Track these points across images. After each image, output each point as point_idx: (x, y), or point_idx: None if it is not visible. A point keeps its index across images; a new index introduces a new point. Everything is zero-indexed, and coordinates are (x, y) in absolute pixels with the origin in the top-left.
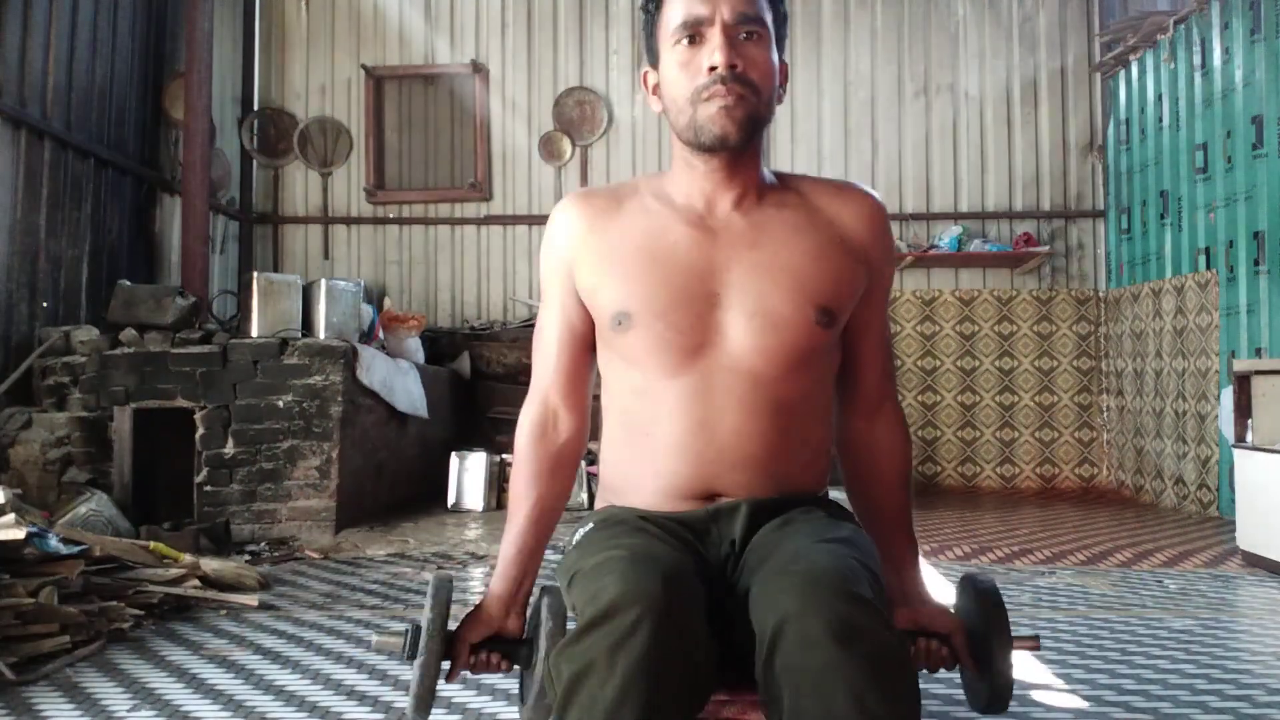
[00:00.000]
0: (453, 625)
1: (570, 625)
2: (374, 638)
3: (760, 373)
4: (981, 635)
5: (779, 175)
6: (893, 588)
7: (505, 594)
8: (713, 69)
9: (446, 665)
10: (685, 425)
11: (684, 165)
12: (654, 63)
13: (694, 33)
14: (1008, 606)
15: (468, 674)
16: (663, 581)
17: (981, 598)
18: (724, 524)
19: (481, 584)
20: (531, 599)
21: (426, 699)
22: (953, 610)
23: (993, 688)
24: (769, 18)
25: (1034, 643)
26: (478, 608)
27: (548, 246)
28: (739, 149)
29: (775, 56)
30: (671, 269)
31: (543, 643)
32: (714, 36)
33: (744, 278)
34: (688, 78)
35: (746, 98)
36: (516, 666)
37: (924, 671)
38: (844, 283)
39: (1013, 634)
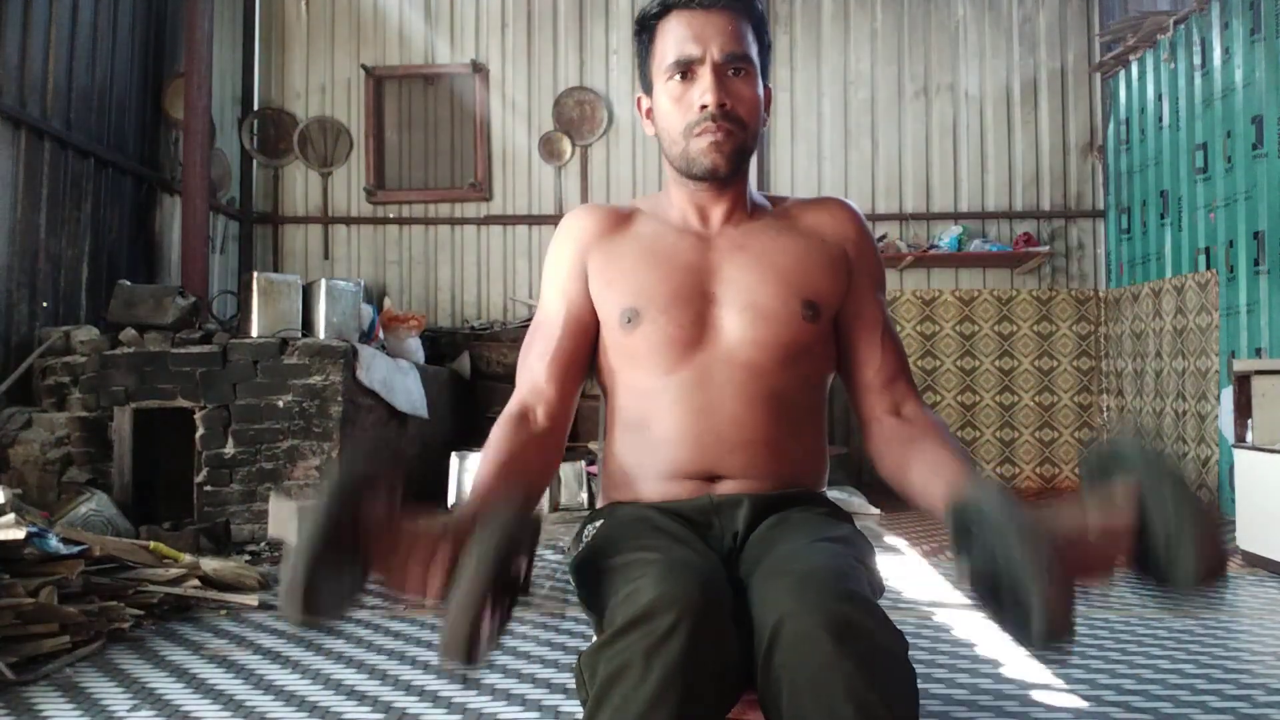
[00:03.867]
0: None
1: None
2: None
3: (755, 363)
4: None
5: (764, 196)
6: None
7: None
8: (704, 107)
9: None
10: (685, 412)
11: (677, 185)
12: (647, 90)
13: (686, 70)
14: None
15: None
16: (700, 585)
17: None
18: (726, 518)
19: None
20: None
21: (309, 593)
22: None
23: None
24: (754, 52)
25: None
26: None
27: (562, 245)
28: (727, 180)
29: (761, 88)
30: (672, 270)
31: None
32: (705, 75)
33: (735, 275)
34: (680, 112)
35: (735, 133)
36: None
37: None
38: (825, 277)
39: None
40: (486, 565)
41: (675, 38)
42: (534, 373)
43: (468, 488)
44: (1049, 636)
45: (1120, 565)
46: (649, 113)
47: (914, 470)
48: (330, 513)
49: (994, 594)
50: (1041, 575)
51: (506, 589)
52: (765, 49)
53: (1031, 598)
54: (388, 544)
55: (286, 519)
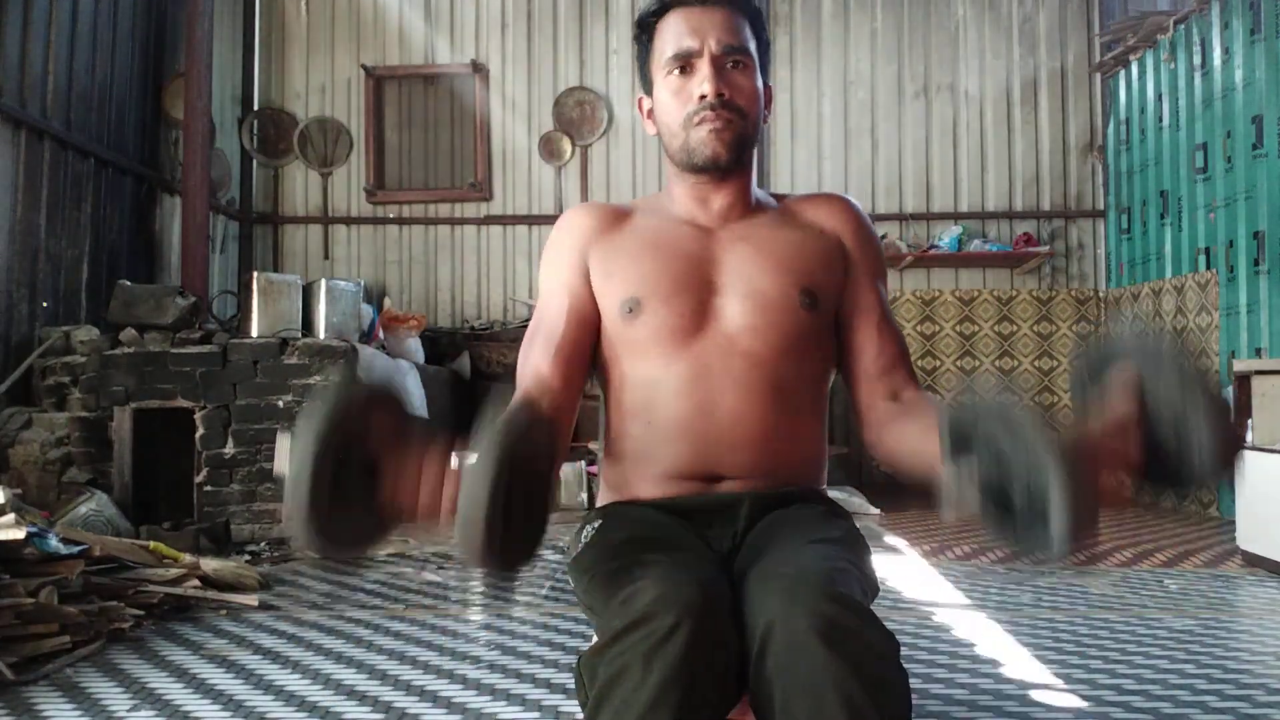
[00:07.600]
0: None
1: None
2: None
3: (756, 353)
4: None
5: (769, 194)
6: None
7: None
8: (703, 97)
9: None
10: (686, 407)
11: (679, 181)
12: (648, 90)
13: (684, 64)
14: (1008, 607)
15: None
16: (700, 587)
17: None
18: (726, 517)
19: (483, 584)
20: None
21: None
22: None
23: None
24: (753, 46)
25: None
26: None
27: (562, 241)
28: (729, 169)
29: (760, 82)
30: (674, 259)
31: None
32: (703, 67)
33: (737, 264)
34: (679, 105)
35: (734, 121)
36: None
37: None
38: (823, 267)
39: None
40: (496, 454)
41: (674, 33)
42: (538, 366)
43: None
44: (1074, 535)
45: (1133, 460)
46: (650, 113)
47: (908, 435)
48: (334, 418)
49: (1003, 499)
50: (1062, 469)
51: (528, 484)
52: (764, 46)
53: (1052, 494)
54: (398, 455)
55: (288, 446)
